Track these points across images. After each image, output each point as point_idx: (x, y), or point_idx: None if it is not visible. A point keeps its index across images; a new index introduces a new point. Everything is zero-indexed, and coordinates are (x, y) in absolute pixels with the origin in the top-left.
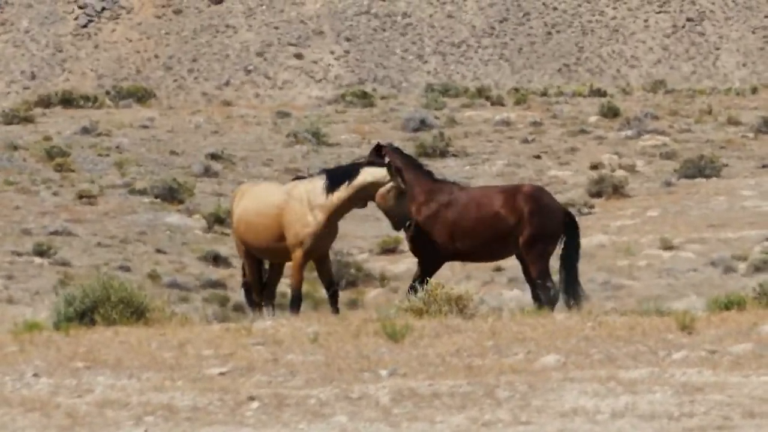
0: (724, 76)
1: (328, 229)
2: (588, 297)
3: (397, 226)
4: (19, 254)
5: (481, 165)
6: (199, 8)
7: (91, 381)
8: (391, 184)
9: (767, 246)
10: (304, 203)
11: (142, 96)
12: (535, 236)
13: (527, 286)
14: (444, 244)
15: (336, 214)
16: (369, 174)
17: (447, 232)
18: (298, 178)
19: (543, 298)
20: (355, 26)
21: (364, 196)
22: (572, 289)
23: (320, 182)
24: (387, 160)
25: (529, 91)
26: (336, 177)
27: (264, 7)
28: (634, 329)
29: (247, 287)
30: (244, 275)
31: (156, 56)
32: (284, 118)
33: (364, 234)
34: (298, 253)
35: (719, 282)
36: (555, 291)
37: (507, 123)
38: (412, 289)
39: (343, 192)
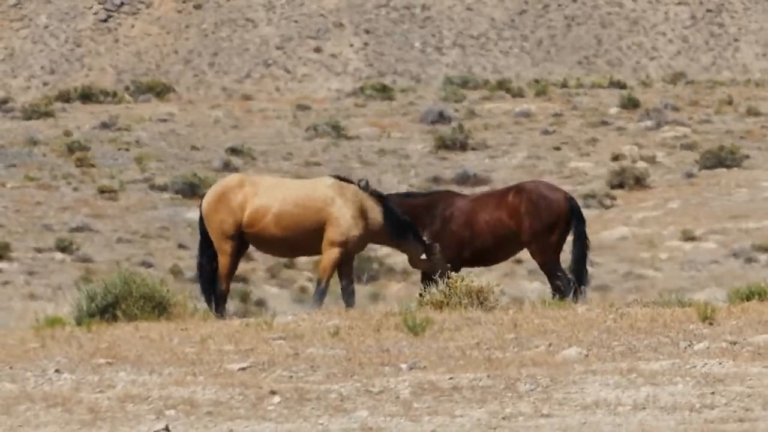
0: (743, 67)
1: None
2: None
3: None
4: (41, 250)
5: (501, 158)
6: (218, 2)
7: (113, 376)
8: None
9: None
10: (356, 207)
11: (161, 91)
12: (534, 231)
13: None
14: (453, 257)
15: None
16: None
17: (454, 244)
18: (339, 177)
19: (562, 290)
20: (374, 19)
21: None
22: (574, 275)
23: (372, 200)
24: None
25: (549, 83)
26: (392, 219)
27: (283, 0)
28: (655, 321)
29: (205, 279)
30: (203, 279)
31: (175, 51)
32: (304, 111)
33: None
34: (336, 251)
35: (740, 273)
36: (567, 281)
37: (527, 115)
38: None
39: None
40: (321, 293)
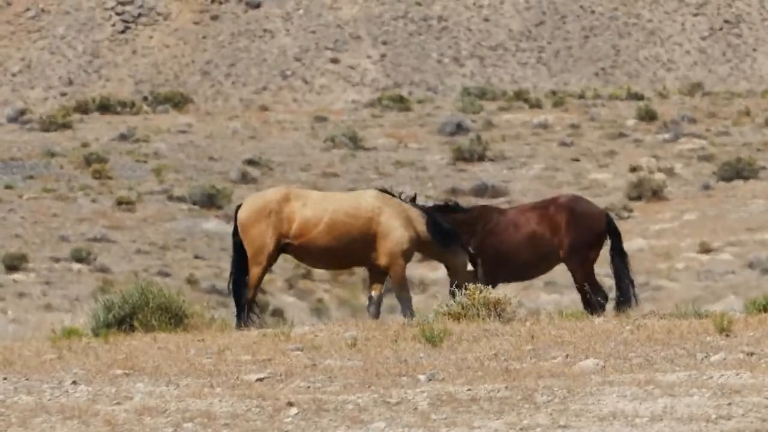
0: (760, 78)
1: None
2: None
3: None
4: (58, 260)
5: (519, 169)
6: (236, 13)
7: (130, 388)
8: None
9: None
10: (402, 216)
11: (179, 102)
12: (574, 246)
13: (565, 290)
14: (493, 272)
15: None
16: (459, 256)
17: (495, 259)
18: (383, 190)
19: (595, 305)
20: (391, 30)
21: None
22: (620, 292)
23: (416, 210)
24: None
25: (567, 94)
26: (438, 230)
27: (301, 11)
28: (672, 332)
29: (239, 289)
30: (236, 290)
31: (193, 62)
32: (321, 122)
33: None
34: (399, 261)
35: (756, 284)
36: (603, 296)
37: (545, 126)
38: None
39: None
40: (407, 304)
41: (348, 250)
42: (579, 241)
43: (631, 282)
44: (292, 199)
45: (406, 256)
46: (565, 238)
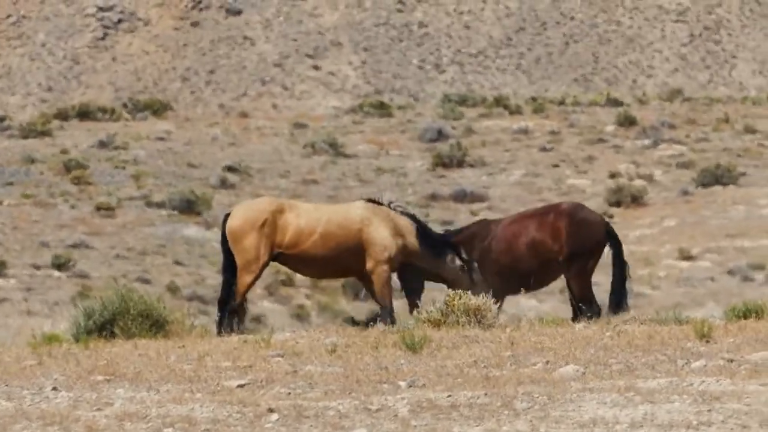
0: (740, 85)
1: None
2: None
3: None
4: (38, 267)
5: (499, 175)
6: (216, 20)
7: (111, 394)
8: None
9: None
10: (390, 226)
11: (159, 108)
12: (575, 255)
13: (545, 296)
14: (498, 286)
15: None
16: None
17: (498, 272)
18: (372, 200)
19: (588, 316)
20: (372, 37)
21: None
22: (615, 298)
23: (405, 219)
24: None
25: (547, 101)
26: (427, 238)
27: (281, 18)
28: (652, 338)
29: (225, 304)
30: (227, 295)
31: (173, 68)
32: (301, 129)
33: None
34: (383, 269)
35: (737, 290)
36: (598, 308)
37: (525, 132)
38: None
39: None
40: (388, 314)
41: (340, 260)
42: (578, 250)
43: (626, 295)
44: (286, 210)
45: (391, 263)
46: (565, 245)
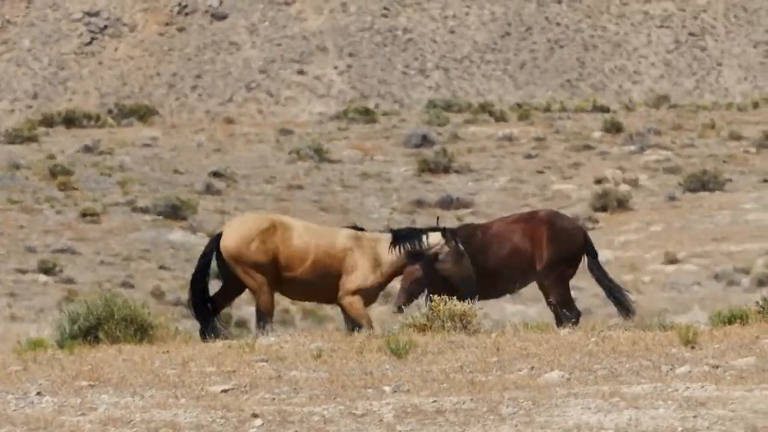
0: (726, 91)
1: (385, 284)
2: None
3: (464, 293)
4: (23, 272)
5: (484, 181)
6: (202, 25)
7: (95, 399)
8: (446, 248)
9: None
10: (370, 256)
11: (144, 114)
12: (555, 262)
13: (530, 302)
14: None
15: (397, 273)
16: (431, 238)
17: (481, 277)
18: (354, 227)
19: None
20: (357, 42)
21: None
22: (620, 301)
23: (386, 241)
24: (442, 226)
25: (532, 107)
26: (401, 238)
27: (267, 23)
28: (637, 344)
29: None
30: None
31: (158, 74)
32: (287, 135)
33: None
34: (357, 301)
35: (722, 296)
36: (578, 313)
37: (510, 138)
38: None
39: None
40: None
41: (327, 288)
42: (558, 257)
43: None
44: (278, 229)
45: (365, 297)
46: (545, 253)
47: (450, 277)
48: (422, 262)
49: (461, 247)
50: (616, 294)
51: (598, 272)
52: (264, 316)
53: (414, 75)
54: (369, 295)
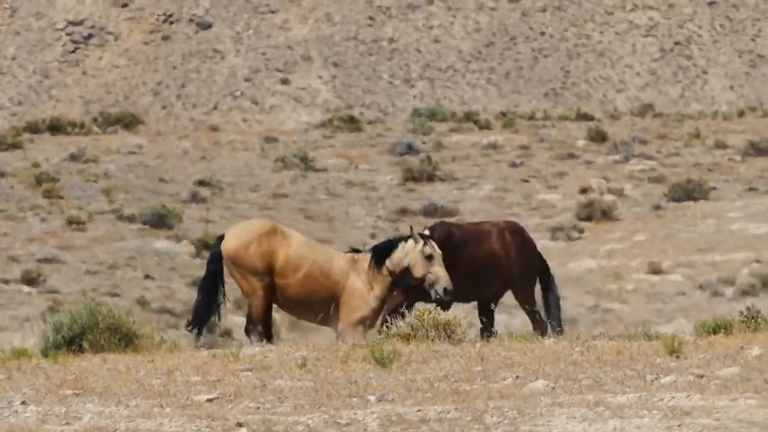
0: (711, 100)
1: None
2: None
3: (439, 298)
4: (7, 281)
5: (469, 189)
6: (187, 34)
7: (80, 408)
8: (419, 251)
9: (754, 269)
10: (365, 278)
11: (129, 122)
12: (525, 272)
13: (514, 311)
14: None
15: (389, 289)
16: (403, 248)
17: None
18: (354, 250)
19: (543, 328)
20: (342, 51)
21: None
22: (554, 318)
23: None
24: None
25: (517, 115)
26: (379, 252)
27: (251, 32)
28: (622, 354)
29: (252, 327)
30: (250, 321)
31: (144, 82)
32: (272, 143)
33: None
34: (358, 329)
35: (707, 305)
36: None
37: (494, 147)
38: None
39: (388, 267)
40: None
41: (314, 304)
42: (528, 268)
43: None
44: (278, 235)
45: (371, 319)
46: (518, 261)
47: (423, 282)
48: (403, 281)
49: (435, 249)
50: (556, 314)
51: (551, 286)
52: (255, 322)
53: (399, 84)
54: (371, 320)
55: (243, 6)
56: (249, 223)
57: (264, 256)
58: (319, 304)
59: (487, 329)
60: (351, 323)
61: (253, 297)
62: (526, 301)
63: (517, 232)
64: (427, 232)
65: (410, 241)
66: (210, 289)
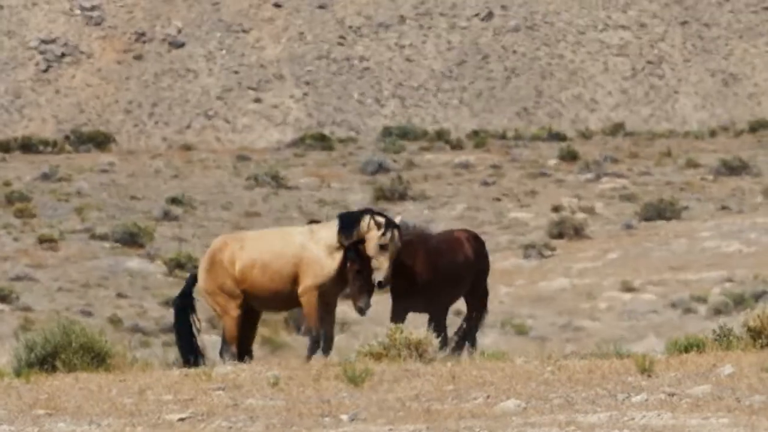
0: (682, 119)
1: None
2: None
3: (377, 282)
4: None
5: (440, 209)
6: (159, 53)
7: (52, 428)
8: (378, 236)
9: (726, 288)
10: (323, 246)
11: (102, 141)
12: (484, 278)
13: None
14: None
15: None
16: (367, 224)
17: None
18: (312, 221)
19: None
20: (314, 70)
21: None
22: (471, 336)
23: (336, 227)
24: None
25: (488, 135)
26: (347, 221)
27: (224, 51)
28: (593, 372)
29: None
30: (225, 340)
31: (116, 101)
32: (244, 161)
33: None
34: (313, 296)
35: (678, 323)
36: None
37: (466, 166)
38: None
39: (354, 237)
40: (314, 343)
41: (281, 291)
42: (483, 275)
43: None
44: (230, 243)
45: (328, 285)
46: (482, 268)
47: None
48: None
49: (394, 241)
50: (474, 332)
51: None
52: (227, 343)
53: (370, 103)
54: (331, 286)
55: (215, 25)
56: (208, 252)
57: (226, 272)
58: (290, 285)
59: (463, 339)
60: (308, 288)
61: (225, 318)
62: (483, 305)
63: (479, 241)
64: (399, 219)
65: (373, 222)
66: (187, 330)
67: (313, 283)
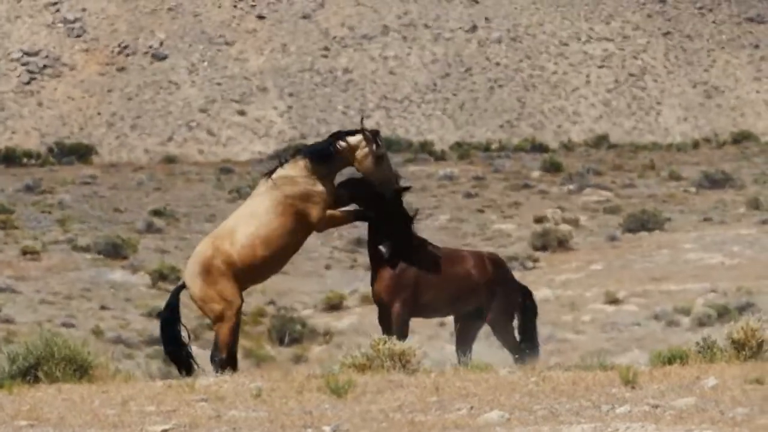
0: (665, 131)
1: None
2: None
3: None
4: None
5: (424, 220)
6: (142, 65)
7: None
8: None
9: (710, 299)
10: (305, 174)
11: (84, 153)
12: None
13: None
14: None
15: (331, 185)
16: (346, 141)
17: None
18: (279, 165)
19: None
20: (297, 82)
21: (345, 164)
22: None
23: (302, 161)
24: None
25: (472, 146)
26: (317, 151)
27: (207, 63)
28: (577, 384)
29: (220, 360)
30: (217, 349)
31: (99, 113)
32: (227, 174)
33: (309, 290)
34: (323, 214)
35: (662, 335)
36: None
37: (450, 178)
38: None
39: (329, 165)
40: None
41: (289, 242)
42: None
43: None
44: (215, 240)
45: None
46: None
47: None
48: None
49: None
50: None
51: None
52: (219, 350)
53: (354, 115)
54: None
55: (198, 37)
56: (195, 258)
57: (225, 278)
58: (298, 230)
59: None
60: (320, 217)
61: (221, 325)
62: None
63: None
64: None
65: (356, 136)
66: (176, 342)
67: (322, 211)
